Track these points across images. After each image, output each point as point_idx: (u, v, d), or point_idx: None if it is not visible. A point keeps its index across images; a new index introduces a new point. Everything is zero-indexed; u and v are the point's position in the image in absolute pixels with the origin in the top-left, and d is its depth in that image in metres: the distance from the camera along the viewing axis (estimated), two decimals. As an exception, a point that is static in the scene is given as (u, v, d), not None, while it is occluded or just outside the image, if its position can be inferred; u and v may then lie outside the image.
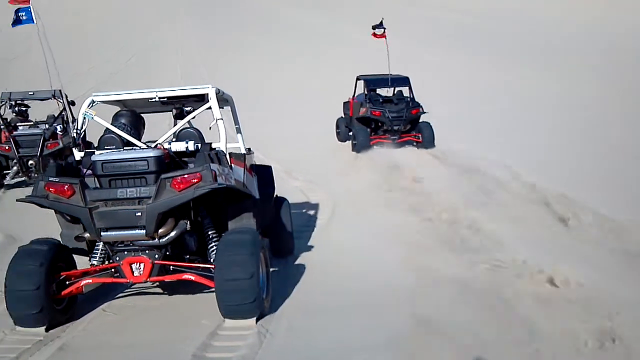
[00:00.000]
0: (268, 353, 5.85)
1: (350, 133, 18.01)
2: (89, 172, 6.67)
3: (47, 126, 14.67)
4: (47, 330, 6.44)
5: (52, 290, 6.47)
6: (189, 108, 7.64)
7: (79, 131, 7.38)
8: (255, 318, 6.26)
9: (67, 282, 6.64)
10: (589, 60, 37.93)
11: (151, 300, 7.50)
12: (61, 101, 15.08)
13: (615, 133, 19.17)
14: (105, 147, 6.93)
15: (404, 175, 14.45)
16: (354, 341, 6.12)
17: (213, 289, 6.32)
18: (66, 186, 6.33)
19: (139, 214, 6.24)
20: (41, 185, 6.47)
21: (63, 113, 15.03)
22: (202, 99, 7.47)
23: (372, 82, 17.80)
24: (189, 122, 7.76)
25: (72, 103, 14.61)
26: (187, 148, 6.95)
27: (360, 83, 18.01)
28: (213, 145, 7.27)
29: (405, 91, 18.03)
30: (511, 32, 52.39)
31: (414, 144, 17.45)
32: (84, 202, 6.29)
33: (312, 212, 11.90)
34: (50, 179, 6.44)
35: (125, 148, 6.87)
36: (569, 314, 6.47)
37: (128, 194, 6.26)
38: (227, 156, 7.17)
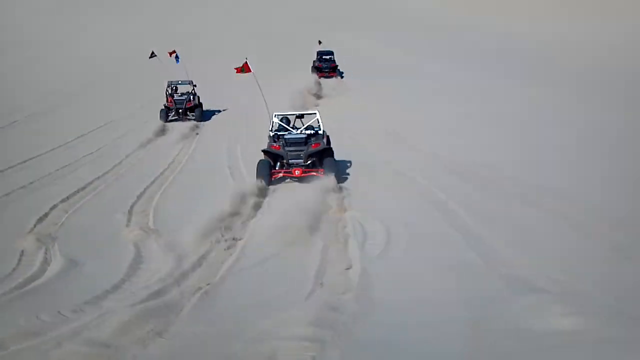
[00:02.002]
0: None
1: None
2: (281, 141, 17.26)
3: (187, 96, 29.82)
4: (267, 185, 16.24)
5: (270, 173, 16.54)
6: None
7: (271, 128, 17.89)
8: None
9: (273, 172, 16.71)
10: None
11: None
12: (191, 85, 30.83)
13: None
14: (281, 131, 17.69)
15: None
16: None
17: (320, 175, 16.28)
18: (277, 145, 17.03)
19: (301, 154, 16.84)
20: (268, 146, 17.18)
21: (194, 90, 30.52)
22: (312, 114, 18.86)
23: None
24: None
25: (195, 85, 30.96)
26: (315, 131, 17.80)
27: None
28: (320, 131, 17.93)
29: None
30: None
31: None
32: (284, 150, 16.87)
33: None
34: (272, 143, 17.17)
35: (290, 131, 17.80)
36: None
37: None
38: (324, 135, 17.79)
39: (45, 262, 10.78)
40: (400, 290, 9.13)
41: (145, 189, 16.29)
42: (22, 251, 11.27)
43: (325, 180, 15.75)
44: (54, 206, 14.51)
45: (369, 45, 53.81)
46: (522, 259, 10.16)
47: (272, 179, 16.52)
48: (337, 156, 17.51)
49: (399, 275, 9.82)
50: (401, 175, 17.44)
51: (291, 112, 19.14)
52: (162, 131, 26.18)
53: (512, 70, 42.66)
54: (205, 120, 29.32)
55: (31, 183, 16.89)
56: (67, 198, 15.30)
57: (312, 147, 16.98)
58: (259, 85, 19.37)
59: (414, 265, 10.29)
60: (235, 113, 31.00)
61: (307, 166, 16.82)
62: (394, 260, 10.60)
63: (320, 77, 38.28)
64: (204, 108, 29.79)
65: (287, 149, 16.92)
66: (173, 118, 28.56)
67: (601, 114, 27.08)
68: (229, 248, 11.46)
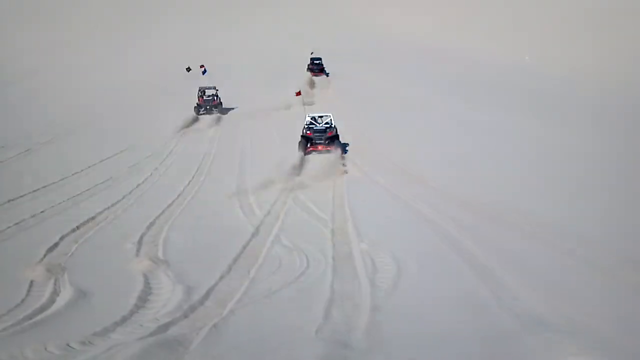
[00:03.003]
0: None
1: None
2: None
3: (212, 97, 39.47)
4: (304, 155, 25.57)
5: (306, 149, 26.08)
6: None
7: (306, 125, 27.07)
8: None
9: (307, 148, 26.19)
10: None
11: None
12: (215, 89, 40.18)
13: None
14: (311, 124, 27.12)
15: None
16: None
17: (331, 152, 25.25)
18: (310, 132, 26.69)
19: (322, 138, 26.48)
20: (304, 132, 26.76)
21: (216, 93, 40.00)
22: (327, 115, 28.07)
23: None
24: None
25: (217, 89, 40.05)
26: (329, 125, 27.06)
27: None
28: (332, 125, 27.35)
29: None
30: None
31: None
32: (314, 135, 26.60)
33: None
34: (307, 131, 26.69)
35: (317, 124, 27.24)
36: None
37: (323, 135, 26.59)
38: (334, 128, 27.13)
39: (55, 292, 10.76)
40: (410, 325, 9.03)
41: (155, 219, 16.31)
42: (32, 281, 11.25)
43: (335, 153, 25.23)
44: (64, 236, 14.52)
45: (376, 78, 54.27)
46: (534, 295, 10.05)
47: (307, 151, 26.20)
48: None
49: (410, 311, 9.73)
50: (409, 208, 17.42)
51: (317, 115, 28.15)
52: (196, 120, 37.24)
53: (507, 102, 42.81)
54: (224, 114, 39.15)
55: (42, 212, 16.93)
56: (77, 228, 15.31)
57: (328, 135, 26.71)
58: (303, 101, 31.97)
59: (424, 301, 10.21)
60: (245, 110, 40.19)
61: (326, 145, 26.35)
62: (405, 295, 10.51)
63: (312, 75, 53.01)
64: (223, 106, 40.17)
65: (314, 134, 26.72)
66: (203, 112, 38.61)
67: (610, 147, 27.06)
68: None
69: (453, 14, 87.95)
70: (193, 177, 22.50)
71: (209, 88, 40.07)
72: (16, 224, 15.67)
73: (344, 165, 24.03)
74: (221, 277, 11.46)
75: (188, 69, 49.28)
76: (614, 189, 19.97)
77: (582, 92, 49.85)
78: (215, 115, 38.02)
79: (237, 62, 64.86)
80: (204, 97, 39.48)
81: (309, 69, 54.89)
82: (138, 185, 21.02)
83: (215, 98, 39.41)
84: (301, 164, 24.00)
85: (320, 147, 25.94)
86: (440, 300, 10.26)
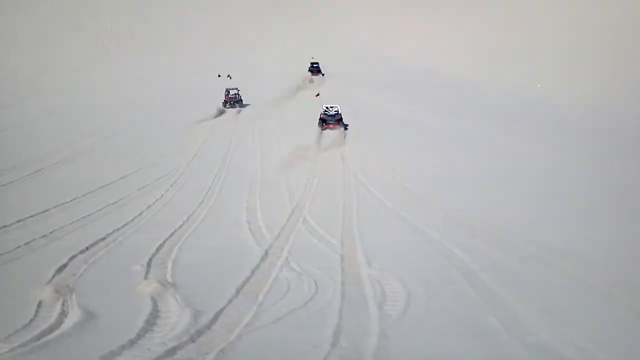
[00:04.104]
0: None
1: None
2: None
3: (235, 95, 53.01)
4: (322, 130, 39.64)
5: (322, 126, 39.93)
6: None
7: (322, 111, 40.96)
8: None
9: (324, 126, 40.06)
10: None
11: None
12: (237, 90, 53.69)
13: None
14: (326, 111, 41.12)
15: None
16: None
17: (337, 129, 39.48)
18: (325, 116, 40.51)
19: (333, 120, 40.06)
20: (321, 116, 40.53)
21: (238, 92, 53.48)
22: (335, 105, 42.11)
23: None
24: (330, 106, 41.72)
25: (239, 89, 53.81)
26: (337, 111, 40.80)
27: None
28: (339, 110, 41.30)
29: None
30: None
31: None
32: (327, 117, 40.27)
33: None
34: (323, 115, 40.50)
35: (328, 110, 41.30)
36: None
37: (333, 118, 40.28)
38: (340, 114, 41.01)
39: (63, 313, 10.73)
40: (418, 352, 8.96)
41: (164, 241, 16.32)
42: (40, 302, 11.24)
43: (340, 129, 38.96)
44: (74, 256, 14.52)
45: (378, 100, 54.56)
46: (544, 325, 9.95)
47: (323, 128, 39.16)
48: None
49: (418, 337, 9.65)
50: (419, 233, 17.38)
51: (329, 105, 41.19)
52: (223, 112, 50.36)
53: (518, 127, 42.78)
54: (243, 108, 52.17)
55: (52, 232, 16.98)
56: (87, 249, 15.33)
57: (336, 118, 39.74)
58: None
59: (433, 329, 10.12)
60: (257, 105, 52.51)
61: (335, 123, 39.45)
62: (413, 321, 10.44)
63: (311, 75, 68.10)
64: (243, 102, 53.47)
65: (328, 117, 39.73)
66: (228, 107, 51.30)
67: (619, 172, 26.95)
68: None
69: (462, 39, 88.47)
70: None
71: (233, 89, 53.21)
72: (26, 243, 15.71)
73: (344, 137, 37.51)
74: (229, 301, 11.42)
75: (219, 75, 67.58)
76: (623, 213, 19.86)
77: (591, 117, 49.79)
78: (237, 108, 51.74)
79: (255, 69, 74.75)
80: (229, 95, 52.29)
81: (309, 69, 70.35)
82: (155, 201, 21.11)
83: (237, 96, 52.29)
84: (320, 135, 38.18)
85: (331, 126, 39.19)
86: (449, 327, 10.21)
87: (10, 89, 60.64)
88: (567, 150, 33.05)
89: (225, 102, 51.65)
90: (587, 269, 13.22)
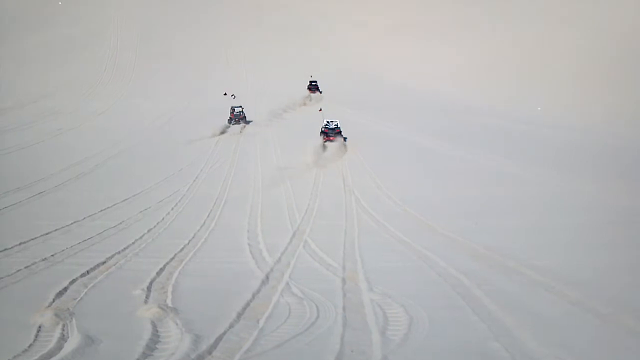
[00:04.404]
0: None
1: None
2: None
3: (239, 112, 55.36)
4: (324, 142, 43.24)
5: (324, 138, 43.85)
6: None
7: (323, 125, 45.33)
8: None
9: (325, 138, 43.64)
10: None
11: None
12: (241, 107, 56.26)
13: None
14: (327, 125, 45.20)
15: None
16: None
17: (337, 141, 43.14)
18: (326, 129, 44.73)
19: (333, 132, 44.08)
20: (322, 129, 44.93)
21: (242, 109, 56.03)
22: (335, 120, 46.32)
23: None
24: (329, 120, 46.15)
25: (242, 107, 56.66)
26: (337, 125, 44.76)
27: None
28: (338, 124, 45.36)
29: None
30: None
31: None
32: (328, 130, 44.36)
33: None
34: (324, 128, 44.90)
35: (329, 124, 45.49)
36: None
37: (333, 131, 44.26)
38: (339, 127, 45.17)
39: (62, 338, 10.67)
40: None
41: (165, 265, 16.27)
42: (40, 326, 11.18)
43: (339, 141, 42.37)
44: (74, 280, 14.48)
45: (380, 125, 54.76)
46: (546, 349, 9.88)
47: (324, 140, 42.71)
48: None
49: (420, 363, 9.58)
50: (422, 257, 17.32)
51: (330, 120, 45.58)
52: (227, 128, 52.53)
53: (519, 152, 42.84)
54: (247, 124, 54.63)
55: (52, 256, 16.95)
56: (87, 272, 15.28)
57: (336, 131, 43.77)
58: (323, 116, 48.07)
59: (435, 354, 10.05)
60: (259, 121, 56.47)
61: (334, 136, 43.22)
62: (416, 348, 10.35)
63: (310, 92, 72.04)
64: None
65: (328, 130, 43.77)
66: (233, 123, 53.75)
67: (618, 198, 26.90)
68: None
69: (462, 64, 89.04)
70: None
71: (237, 106, 56.01)
72: (26, 267, 15.68)
73: (345, 146, 41.97)
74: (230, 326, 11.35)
75: (225, 94, 69.99)
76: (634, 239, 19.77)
77: (596, 140, 49.86)
78: (241, 125, 54.17)
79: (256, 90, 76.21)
80: (234, 113, 54.97)
81: (308, 87, 74.04)
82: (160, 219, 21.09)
83: (241, 113, 54.97)
84: (323, 146, 41.80)
85: (332, 138, 43.33)
86: (451, 352, 10.17)
87: (16, 112, 61.05)
88: (570, 175, 33.03)
89: (230, 119, 54.31)
90: (590, 294, 13.13)
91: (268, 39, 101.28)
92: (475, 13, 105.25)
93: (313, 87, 74.03)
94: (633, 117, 60.14)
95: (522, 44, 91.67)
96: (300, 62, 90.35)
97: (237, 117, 54.48)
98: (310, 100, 68.71)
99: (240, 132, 51.60)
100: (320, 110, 52.04)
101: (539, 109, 66.99)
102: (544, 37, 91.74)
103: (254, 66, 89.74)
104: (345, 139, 44.17)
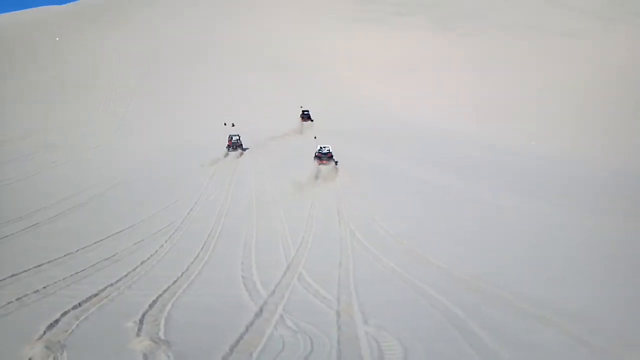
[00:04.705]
0: None
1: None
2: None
3: (237, 140, 57.87)
4: (318, 165, 46.00)
5: (318, 162, 46.73)
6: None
7: (317, 150, 48.33)
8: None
9: (318, 162, 46.52)
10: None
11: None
12: (238, 136, 58.99)
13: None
14: (320, 150, 48.06)
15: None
16: None
17: (329, 164, 45.75)
18: (319, 154, 47.55)
19: (325, 157, 46.73)
20: (315, 154, 47.90)
21: (239, 137, 58.61)
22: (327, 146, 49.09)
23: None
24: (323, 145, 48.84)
25: (240, 135, 59.73)
26: (328, 150, 47.49)
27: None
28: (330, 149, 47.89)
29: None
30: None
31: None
32: (321, 155, 47.30)
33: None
34: (317, 153, 47.79)
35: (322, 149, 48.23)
36: None
37: (325, 156, 47.13)
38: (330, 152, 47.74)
39: (52, 371, 10.54)
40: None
41: (157, 297, 16.14)
42: (30, 358, 11.06)
43: (331, 164, 45.21)
44: (65, 312, 14.36)
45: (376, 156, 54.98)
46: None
47: (318, 164, 45.11)
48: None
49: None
50: (415, 288, 17.24)
51: (322, 145, 48.42)
52: (227, 154, 54.78)
53: (516, 184, 42.99)
54: (244, 150, 57.07)
55: (44, 288, 16.81)
56: (79, 304, 15.16)
57: (328, 156, 46.53)
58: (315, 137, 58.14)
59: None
60: (255, 148, 59.03)
61: (327, 160, 45.98)
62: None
63: (302, 121, 77.09)
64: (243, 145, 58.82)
65: (321, 155, 46.70)
66: (231, 150, 56.56)
67: (616, 229, 26.95)
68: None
69: (460, 98, 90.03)
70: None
71: (235, 135, 59.43)
72: (18, 299, 15.55)
73: (336, 169, 44.32)
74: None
75: (225, 124, 74.62)
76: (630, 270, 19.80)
77: (595, 174, 50.10)
78: (238, 151, 56.93)
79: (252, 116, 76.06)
80: (232, 141, 58.42)
81: (300, 116, 79.22)
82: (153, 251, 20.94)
83: (238, 141, 58.38)
84: (317, 170, 43.67)
85: (324, 162, 46.12)
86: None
87: (14, 145, 61.28)
88: (569, 208, 33.11)
89: (228, 147, 57.87)
90: (587, 328, 13.07)
91: (264, 75, 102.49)
92: (477, 50, 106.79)
93: (305, 116, 79.30)
94: (633, 151, 60.60)
95: (523, 79, 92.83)
96: (294, 94, 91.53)
97: (235, 145, 57.86)
98: (302, 126, 74.36)
99: (239, 157, 54.49)
100: (315, 137, 58.53)
101: (533, 143, 67.45)
102: (546, 73, 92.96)
103: (250, 99, 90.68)
104: (336, 162, 46.87)
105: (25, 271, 18.70)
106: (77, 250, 22.25)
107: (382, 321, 13.84)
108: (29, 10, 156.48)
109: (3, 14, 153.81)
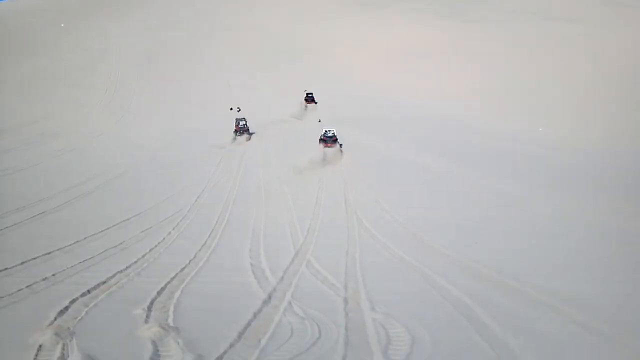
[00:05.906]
0: None
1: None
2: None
3: (244, 125, 57.90)
4: (324, 148, 45.83)
5: (323, 145, 46.27)
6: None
7: (325, 132, 47.39)
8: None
9: (324, 145, 46.31)
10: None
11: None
12: (245, 120, 58.75)
13: None
14: (325, 133, 47.19)
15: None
16: None
17: (334, 147, 45.35)
18: (324, 137, 46.83)
19: (331, 140, 46.28)
20: (321, 137, 47.27)
21: (246, 122, 58.43)
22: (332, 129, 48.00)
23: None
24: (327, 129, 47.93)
25: (246, 119, 59.64)
26: (333, 133, 46.66)
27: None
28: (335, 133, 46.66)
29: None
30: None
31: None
32: (326, 137, 46.59)
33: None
34: (322, 136, 47.25)
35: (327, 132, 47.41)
36: None
37: (331, 139, 46.39)
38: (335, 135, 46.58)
39: (62, 357, 10.63)
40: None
41: (166, 284, 16.20)
42: (40, 345, 11.13)
43: (336, 147, 44.85)
44: (74, 300, 14.44)
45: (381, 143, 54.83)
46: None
47: (324, 147, 45.09)
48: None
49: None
50: (424, 277, 17.24)
51: (327, 128, 47.60)
52: (234, 139, 55.63)
53: (522, 173, 42.83)
54: (250, 135, 57.26)
55: (53, 275, 16.91)
56: (88, 292, 15.24)
57: (333, 139, 46.07)
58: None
59: (439, 374, 9.95)
60: (262, 132, 59.45)
61: (332, 143, 45.78)
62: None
63: (306, 103, 76.75)
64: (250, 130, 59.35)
65: (326, 138, 46.22)
66: (238, 135, 57.14)
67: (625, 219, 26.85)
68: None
69: (465, 84, 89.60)
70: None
71: (241, 119, 59.93)
72: (28, 286, 15.64)
73: (341, 151, 44.63)
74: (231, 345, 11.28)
75: (231, 109, 74.85)
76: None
77: (597, 161, 49.87)
78: (245, 135, 57.98)
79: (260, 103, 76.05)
80: (239, 125, 59.13)
81: (304, 99, 78.94)
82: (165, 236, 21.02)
83: (245, 125, 59.20)
84: (323, 153, 43.99)
85: (329, 145, 46.15)
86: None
87: (15, 133, 61.20)
88: (571, 195, 32.98)
89: (235, 131, 58.75)
90: (594, 315, 13.06)
91: (269, 63, 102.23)
92: (485, 38, 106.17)
93: (309, 98, 79.46)
94: (633, 138, 60.28)
95: (529, 66, 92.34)
96: (300, 81, 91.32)
97: (242, 129, 58.71)
98: (306, 109, 75.33)
99: (247, 141, 55.91)
100: (320, 121, 59.41)
101: (540, 129, 67.21)
102: (553, 61, 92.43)
103: (255, 85, 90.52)
104: (341, 145, 47.10)
105: (33, 259, 18.80)
106: (85, 238, 22.33)
107: (389, 309, 13.86)
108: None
109: (4, 1, 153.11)
